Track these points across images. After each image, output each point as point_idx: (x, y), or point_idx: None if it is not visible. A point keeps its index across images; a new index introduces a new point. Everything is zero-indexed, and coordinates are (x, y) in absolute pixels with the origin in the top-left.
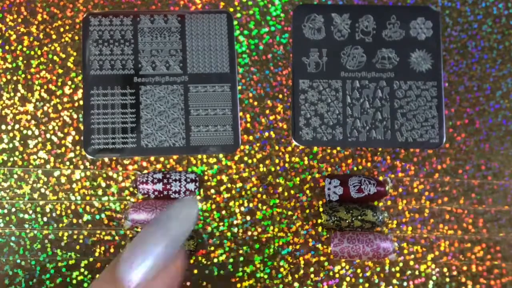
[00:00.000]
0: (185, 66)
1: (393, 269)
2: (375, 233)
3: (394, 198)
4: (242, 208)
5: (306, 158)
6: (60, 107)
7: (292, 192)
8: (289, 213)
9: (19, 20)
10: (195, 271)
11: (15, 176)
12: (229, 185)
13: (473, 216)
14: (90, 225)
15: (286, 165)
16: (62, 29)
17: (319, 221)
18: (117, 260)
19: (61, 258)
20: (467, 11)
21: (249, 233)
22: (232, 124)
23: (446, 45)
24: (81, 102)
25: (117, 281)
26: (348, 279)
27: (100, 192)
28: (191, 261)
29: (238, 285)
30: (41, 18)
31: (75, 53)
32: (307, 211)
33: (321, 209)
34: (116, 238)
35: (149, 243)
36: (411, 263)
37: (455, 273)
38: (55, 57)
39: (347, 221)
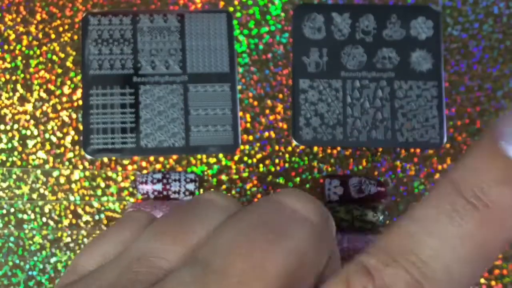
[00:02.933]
0: (185, 66)
1: None
2: (376, 234)
3: (395, 198)
4: None
5: (306, 158)
6: (59, 107)
7: None
8: None
9: (18, 19)
10: None
11: (14, 176)
12: (229, 185)
13: None
14: (89, 226)
15: (286, 165)
16: (61, 29)
17: None
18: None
19: (61, 259)
20: (468, 11)
21: None
22: (232, 124)
23: (446, 44)
24: (80, 102)
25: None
26: None
27: (99, 192)
28: None
29: None
30: (40, 17)
31: (74, 53)
32: None
33: None
34: None
35: None
36: None
37: None
38: (54, 57)
39: (347, 222)
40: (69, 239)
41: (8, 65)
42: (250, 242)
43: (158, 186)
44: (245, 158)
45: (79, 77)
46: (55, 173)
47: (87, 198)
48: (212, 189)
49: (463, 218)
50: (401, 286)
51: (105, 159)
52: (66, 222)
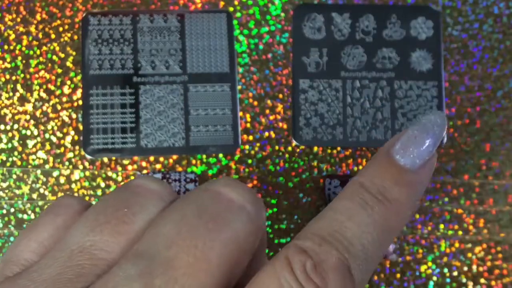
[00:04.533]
0: (185, 66)
1: (393, 270)
2: None
3: None
4: None
5: (306, 158)
6: (59, 107)
7: (292, 192)
8: (289, 213)
9: (18, 19)
10: None
11: (14, 176)
12: None
13: (474, 216)
14: None
15: (286, 165)
16: (61, 29)
17: None
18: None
19: None
20: (468, 11)
21: None
22: (232, 124)
23: (446, 44)
24: (80, 102)
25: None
26: None
27: (99, 192)
28: None
29: None
30: (40, 17)
31: (74, 53)
32: (307, 211)
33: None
34: None
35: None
36: (412, 263)
37: (455, 273)
38: (54, 57)
39: None
40: None
41: (8, 65)
42: (193, 233)
43: None
44: (245, 158)
45: (79, 77)
46: (55, 173)
47: (87, 198)
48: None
49: (373, 209)
50: (332, 260)
51: (105, 159)
52: None
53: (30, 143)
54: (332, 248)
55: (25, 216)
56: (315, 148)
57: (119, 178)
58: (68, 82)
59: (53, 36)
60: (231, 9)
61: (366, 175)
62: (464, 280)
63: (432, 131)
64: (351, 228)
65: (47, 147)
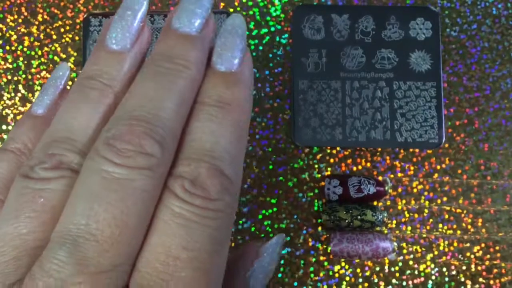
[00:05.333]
0: None
1: (392, 269)
2: (375, 233)
3: (394, 198)
4: (242, 208)
5: (306, 158)
6: None
7: (292, 192)
8: (289, 213)
9: (20, 20)
10: None
11: None
12: None
13: (472, 216)
14: None
15: (286, 165)
16: (62, 30)
17: (318, 220)
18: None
19: None
20: (467, 12)
21: (249, 233)
22: None
23: (445, 45)
24: None
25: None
26: (347, 278)
27: None
28: None
29: None
30: (42, 18)
31: (75, 54)
32: (307, 211)
33: (321, 209)
34: None
35: None
36: (411, 262)
37: (454, 272)
38: (55, 58)
39: (347, 221)
40: None
41: (10, 66)
42: None
43: None
44: (245, 158)
45: None
46: None
47: None
48: None
49: (218, 117)
50: (204, 171)
51: None
52: None
53: None
54: (199, 162)
55: None
56: (315, 148)
57: None
58: (69, 83)
59: (54, 37)
60: (231, 10)
61: (201, 93)
62: (462, 279)
63: (235, 31)
64: (208, 140)
65: None
